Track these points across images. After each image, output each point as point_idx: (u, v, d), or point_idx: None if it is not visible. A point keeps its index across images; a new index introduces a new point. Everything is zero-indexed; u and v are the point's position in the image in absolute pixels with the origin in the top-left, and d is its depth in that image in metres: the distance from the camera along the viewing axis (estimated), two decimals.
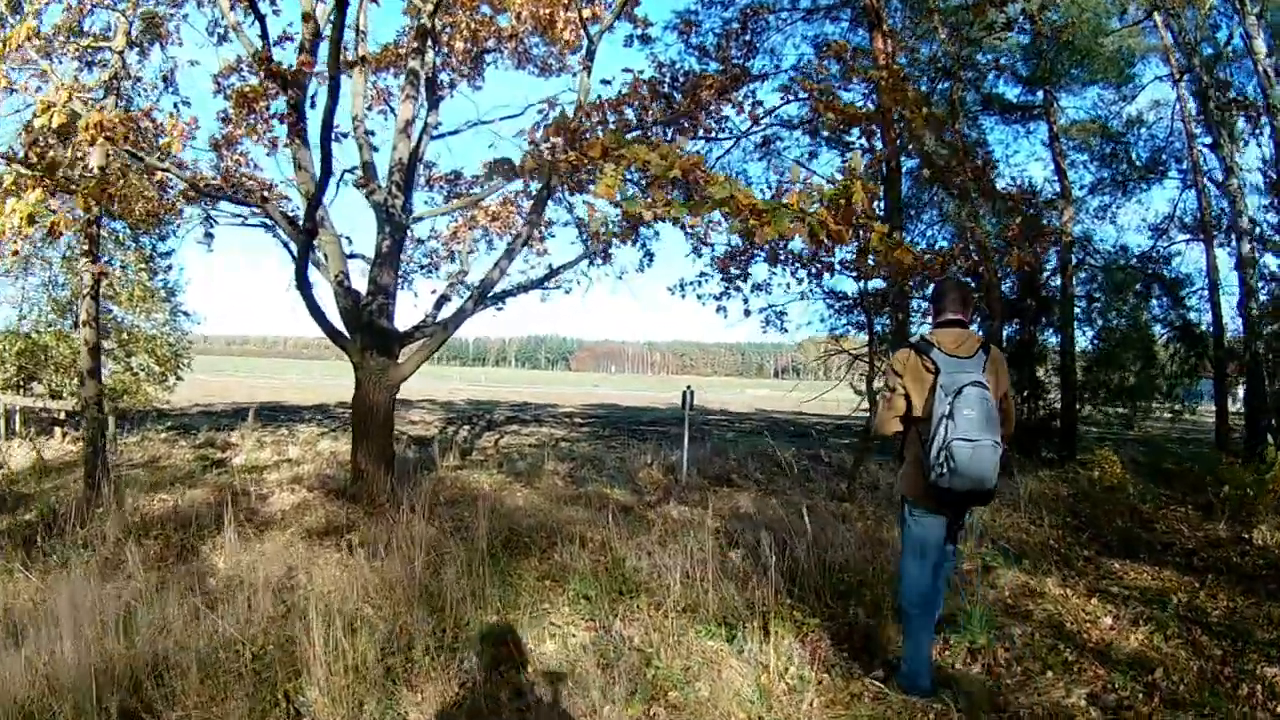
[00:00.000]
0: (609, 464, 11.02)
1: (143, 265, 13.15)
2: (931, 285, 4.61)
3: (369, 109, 10.02)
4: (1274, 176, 12.31)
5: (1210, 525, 7.26)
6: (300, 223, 7.25)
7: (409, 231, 9.95)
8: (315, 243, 8.07)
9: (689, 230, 9.40)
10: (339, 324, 7.88)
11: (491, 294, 8.86)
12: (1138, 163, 15.15)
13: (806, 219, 3.25)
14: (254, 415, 14.38)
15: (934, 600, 3.77)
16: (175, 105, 9.19)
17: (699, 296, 10.64)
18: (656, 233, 11.04)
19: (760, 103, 8.93)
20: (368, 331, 7.82)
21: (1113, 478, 8.99)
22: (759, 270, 12.21)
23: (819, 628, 4.52)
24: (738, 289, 10.37)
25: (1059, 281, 14.14)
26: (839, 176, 4.24)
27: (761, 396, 48.56)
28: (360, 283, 8.21)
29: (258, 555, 6.05)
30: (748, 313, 10.51)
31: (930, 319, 3.86)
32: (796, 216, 3.27)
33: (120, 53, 8.43)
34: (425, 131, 8.89)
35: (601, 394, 46.63)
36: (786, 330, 11.35)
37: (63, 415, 13.22)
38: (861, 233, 3.90)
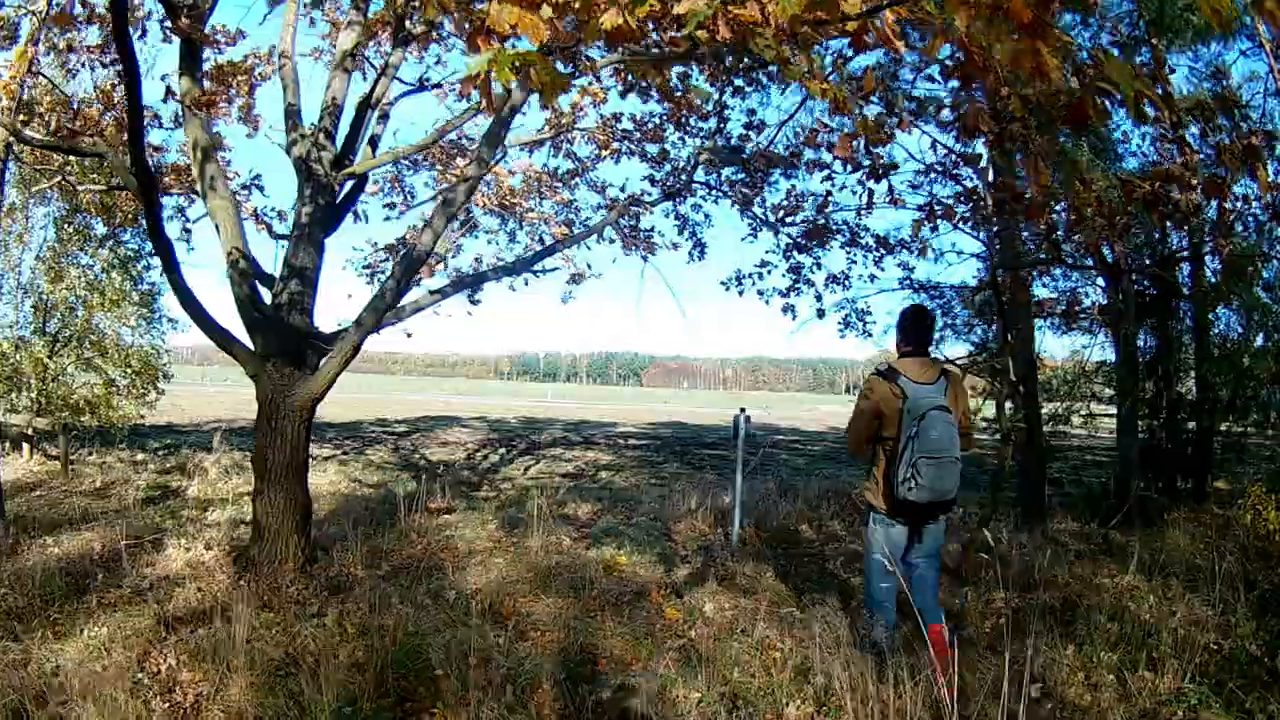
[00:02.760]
0: (645, 504, 8.50)
1: (116, 264, 11.33)
2: (901, 315, 4.24)
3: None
4: None
5: None
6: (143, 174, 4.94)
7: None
8: (206, 208, 5.89)
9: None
10: (236, 320, 5.60)
11: (455, 281, 6.59)
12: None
13: None
14: (220, 437, 12.28)
15: (891, 594, 3.94)
16: None
17: (760, 292, 8.19)
18: (707, 215, 8.62)
19: None
20: (273, 331, 5.52)
21: (1270, 524, 6.33)
22: (835, 259, 9.22)
23: None
24: (808, 281, 7.98)
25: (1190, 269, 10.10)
26: None
27: (832, 413, 45.40)
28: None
29: (75, 658, 3.82)
30: (821, 313, 8.00)
31: (901, 342, 4.07)
32: None
33: None
34: (384, 73, 6.61)
35: (668, 410, 44.06)
36: (871, 334, 8.72)
37: (31, 431, 11.49)
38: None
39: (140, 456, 11.69)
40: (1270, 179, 5.23)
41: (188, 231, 9.26)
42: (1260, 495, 6.86)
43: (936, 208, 5.93)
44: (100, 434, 12.40)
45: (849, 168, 6.10)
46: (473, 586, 5.19)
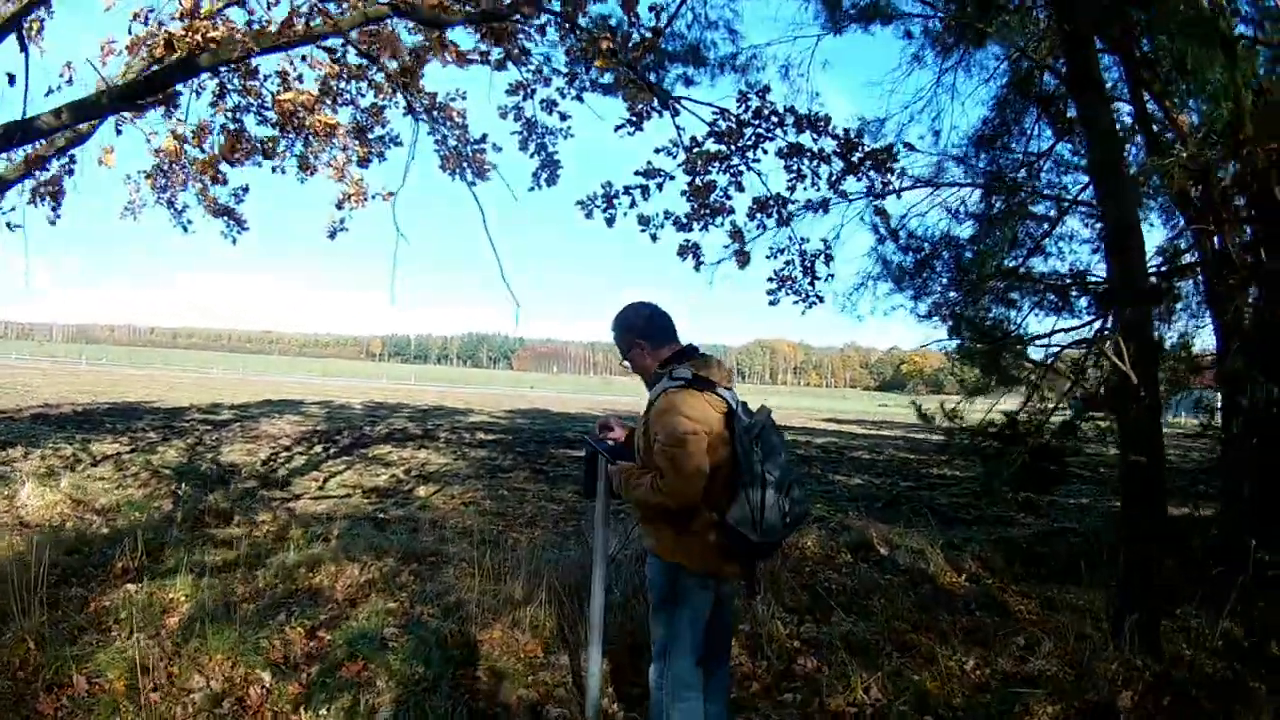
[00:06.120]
0: (452, 565, 5.03)
1: None
2: (649, 311, 2.80)
3: None
4: None
5: None
6: None
7: None
8: None
9: None
10: None
11: None
12: None
13: None
14: None
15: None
16: None
17: (643, 220, 4.93)
18: (564, 116, 5.38)
19: None
20: None
21: None
22: (769, 171, 5.56)
23: None
24: (723, 209, 4.81)
25: None
26: None
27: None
28: None
29: None
30: (743, 258, 4.79)
31: (655, 349, 2.77)
32: None
33: None
34: None
35: (534, 396, 40.78)
36: (822, 298, 5.46)
37: None
38: None
39: None
40: None
41: None
42: None
43: None
44: None
45: None
46: None
